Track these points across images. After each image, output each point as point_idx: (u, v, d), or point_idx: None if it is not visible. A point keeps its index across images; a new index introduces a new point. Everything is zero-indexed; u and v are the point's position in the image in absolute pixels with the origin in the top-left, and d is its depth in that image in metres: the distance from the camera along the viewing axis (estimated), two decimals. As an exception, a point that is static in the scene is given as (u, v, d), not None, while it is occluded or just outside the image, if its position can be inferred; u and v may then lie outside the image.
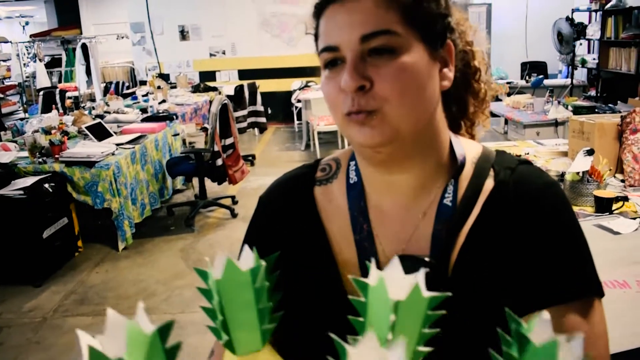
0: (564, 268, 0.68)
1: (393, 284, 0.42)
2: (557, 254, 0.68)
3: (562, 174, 2.44)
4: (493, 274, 0.69)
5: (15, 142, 4.61)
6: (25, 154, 4.19)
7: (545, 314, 0.37)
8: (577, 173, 2.35)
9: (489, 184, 0.73)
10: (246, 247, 0.51)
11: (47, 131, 4.40)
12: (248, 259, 0.49)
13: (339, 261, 0.76)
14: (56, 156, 4.04)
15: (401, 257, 0.71)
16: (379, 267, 0.46)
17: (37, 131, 4.46)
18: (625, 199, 2.27)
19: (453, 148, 0.75)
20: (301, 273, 0.77)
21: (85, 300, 3.46)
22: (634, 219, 2.10)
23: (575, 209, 2.28)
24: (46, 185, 3.77)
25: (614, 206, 2.21)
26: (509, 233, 0.70)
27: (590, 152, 2.43)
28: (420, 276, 0.43)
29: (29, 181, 3.71)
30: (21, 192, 3.59)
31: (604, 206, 2.21)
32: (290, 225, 0.80)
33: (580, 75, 7.92)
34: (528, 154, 3.07)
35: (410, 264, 0.71)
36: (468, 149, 0.76)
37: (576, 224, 0.70)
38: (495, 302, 0.67)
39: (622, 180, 2.55)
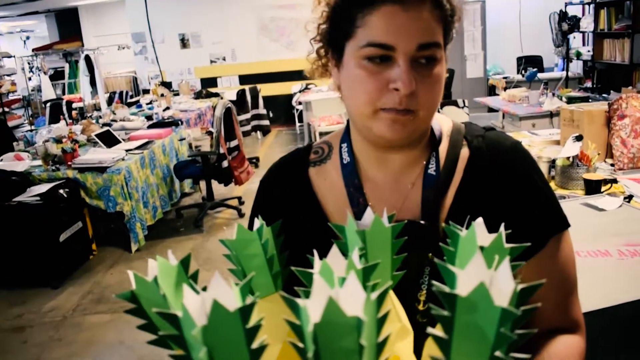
0: (541, 212, 0.81)
1: (362, 225, 0.58)
2: (533, 200, 0.82)
3: (553, 161, 2.56)
4: None
5: (28, 152, 4.76)
6: (38, 162, 4.34)
7: (479, 220, 0.52)
8: (567, 158, 2.47)
9: (465, 152, 0.85)
10: (256, 218, 0.67)
11: (58, 140, 4.55)
12: (257, 225, 0.66)
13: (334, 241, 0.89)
14: (69, 163, 4.19)
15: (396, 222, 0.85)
16: None
17: (47, 141, 4.61)
18: (614, 181, 2.40)
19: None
20: (301, 246, 0.84)
21: (102, 299, 3.60)
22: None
23: (566, 192, 2.40)
24: (61, 191, 3.91)
25: (603, 188, 2.33)
26: (490, 189, 0.82)
27: (579, 138, 2.55)
28: (384, 215, 0.59)
29: (44, 188, 3.86)
30: (37, 198, 3.74)
31: (593, 188, 2.32)
32: (288, 203, 0.90)
33: (576, 67, 8.04)
34: (520, 143, 3.18)
35: (405, 227, 0.84)
36: (442, 124, 0.88)
37: (542, 173, 0.84)
38: None
39: (612, 165, 2.67)
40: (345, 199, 0.86)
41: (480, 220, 0.56)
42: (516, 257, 0.54)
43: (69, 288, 3.82)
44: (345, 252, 0.60)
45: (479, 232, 0.55)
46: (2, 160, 4.50)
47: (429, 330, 0.45)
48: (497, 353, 0.41)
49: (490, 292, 0.42)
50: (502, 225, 0.56)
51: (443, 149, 0.85)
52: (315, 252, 0.54)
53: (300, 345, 0.43)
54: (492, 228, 0.66)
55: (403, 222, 0.64)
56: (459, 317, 0.43)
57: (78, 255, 4.13)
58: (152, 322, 0.52)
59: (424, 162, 0.85)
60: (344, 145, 0.89)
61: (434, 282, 0.49)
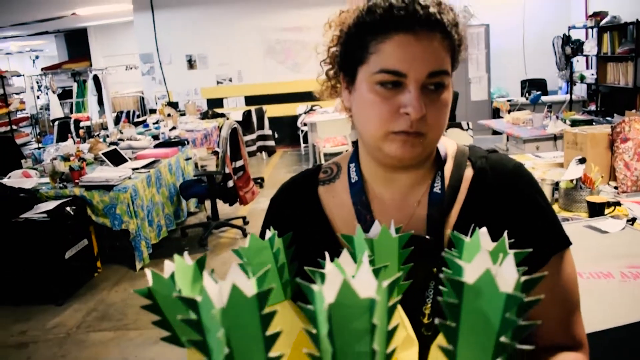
0: (543, 230, 0.84)
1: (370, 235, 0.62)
2: (535, 219, 0.84)
3: (557, 183, 2.57)
4: None
5: (35, 169, 4.81)
6: (46, 180, 4.38)
7: (483, 229, 0.54)
8: (571, 181, 2.49)
9: (469, 172, 0.88)
10: (267, 230, 0.71)
11: (65, 158, 4.60)
12: (268, 235, 0.70)
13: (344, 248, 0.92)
14: (76, 181, 4.23)
15: None
16: None
17: (55, 159, 4.66)
18: (617, 204, 2.40)
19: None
20: (310, 263, 0.86)
21: (106, 317, 3.61)
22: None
23: (569, 214, 2.42)
24: (67, 209, 3.94)
25: (606, 211, 2.33)
26: (493, 208, 0.85)
27: (582, 161, 2.57)
28: (392, 227, 0.62)
29: (51, 205, 3.89)
30: (44, 215, 3.76)
31: (596, 211, 2.33)
32: (298, 220, 0.93)
33: (580, 90, 8.09)
34: (523, 165, 3.20)
35: (411, 242, 0.87)
36: (447, 146, 0.92)
37: (543, 193, 0.87)
38: None
39: (615, 187, 2.68)
40: (353, 216, 0.89)
41: (484, 229, 0.59)
42: None
43: (73, 305, 3.83)
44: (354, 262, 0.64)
45: (482, 240, 0.58)
46: (10, 177, 4.55)
47: (437, 320, 0.48)
48: (503, 339, 0.44)
49: (496, 281, 0.44)
50: (505, 232, 0.59)
51: (448, 169, 0.89)
52: (326, 254, 0.57)
53: (314, 331, 0.45)
54: None
55: (410, 232, 0.66)
56: (465, 305, 0.45)
57: (83, 272, 4.14)
58: (166, 319, 0.54)
59: (430, 182, 0.88)
60: (352, 165, 0.92)
61: (443, 269, 0.51)
